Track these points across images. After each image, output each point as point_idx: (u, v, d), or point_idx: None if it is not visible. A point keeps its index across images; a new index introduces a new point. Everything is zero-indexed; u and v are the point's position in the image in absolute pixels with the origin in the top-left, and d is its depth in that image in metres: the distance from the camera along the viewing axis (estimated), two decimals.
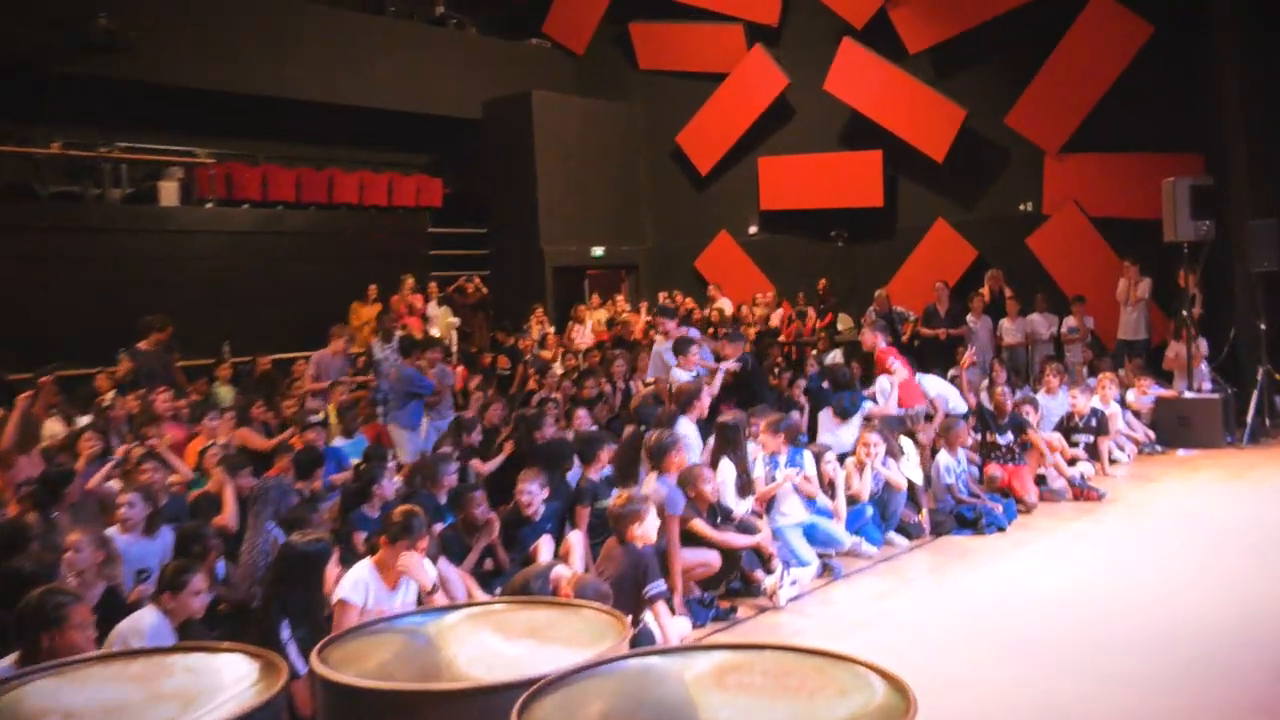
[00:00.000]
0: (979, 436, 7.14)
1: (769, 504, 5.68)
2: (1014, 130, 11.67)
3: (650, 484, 5.19)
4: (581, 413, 6.97)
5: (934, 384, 7.43)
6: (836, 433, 6.67)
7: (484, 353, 11.32)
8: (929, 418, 7.00)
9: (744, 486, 5.64)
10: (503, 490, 5.57)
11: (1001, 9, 11.51)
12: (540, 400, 8.68)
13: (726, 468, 5.60)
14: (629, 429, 6.50)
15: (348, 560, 4.22)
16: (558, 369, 10.46)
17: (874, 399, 7.01)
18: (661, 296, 14.13)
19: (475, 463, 6.44)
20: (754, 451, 5.86)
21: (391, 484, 5.41)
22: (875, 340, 7.48)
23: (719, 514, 5.19)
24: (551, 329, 12.32)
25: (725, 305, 12.56)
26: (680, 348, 6.92)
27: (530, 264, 14.20)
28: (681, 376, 6.67)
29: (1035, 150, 11.65)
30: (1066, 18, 11.11)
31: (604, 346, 10.87)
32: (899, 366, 7.14)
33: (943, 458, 6.73)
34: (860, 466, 6.14)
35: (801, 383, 8.10)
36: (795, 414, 6.77)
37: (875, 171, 12.75)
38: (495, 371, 10.65)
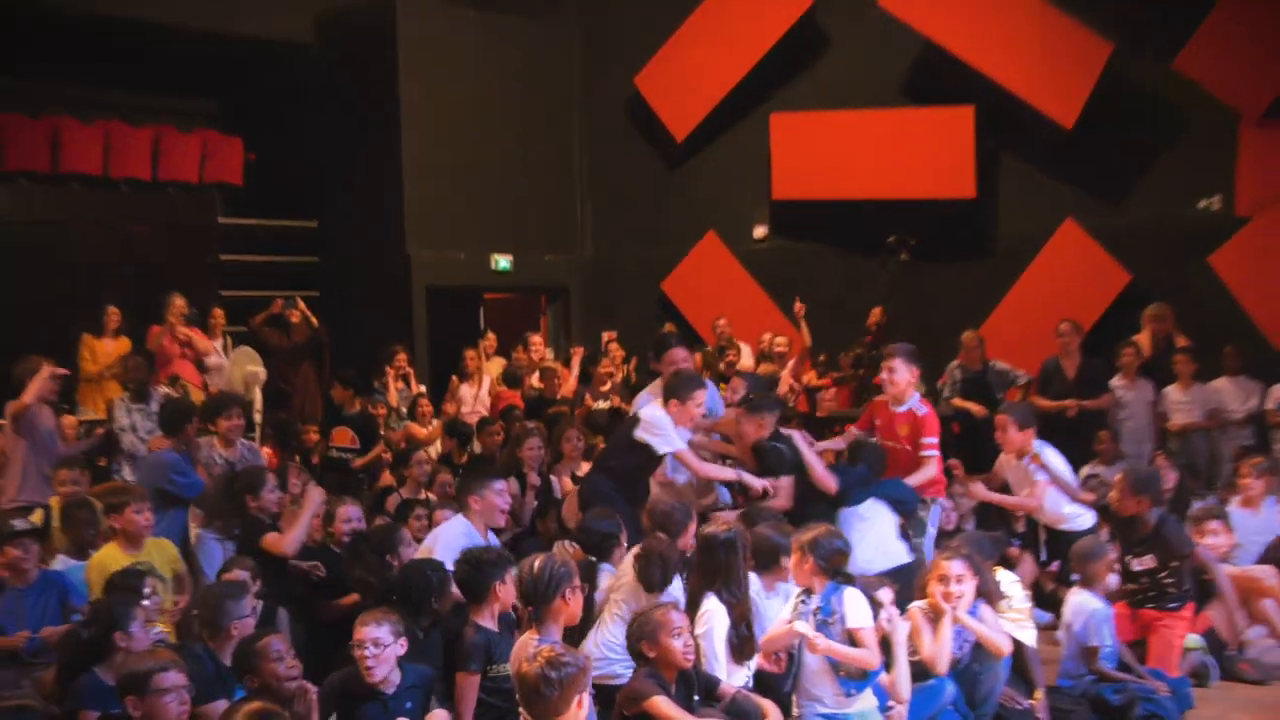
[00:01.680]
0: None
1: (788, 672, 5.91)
2: (1188, 80, 11.92)
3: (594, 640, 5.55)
4: None
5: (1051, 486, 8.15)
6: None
7: (309, 424, 11.51)
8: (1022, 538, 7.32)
9: (741, 644, 5.85)
10: (336, 640, 5.81)
11: None
12: (403, 504, 9.02)
13: (714, 612, 5.86)
14: (558, 550, 6.90)
15: None
16: (432, 452, 10.69)
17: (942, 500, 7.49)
18: (606, 339, 14.34)
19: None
20: (757, 585, 6.21)
21: (146, 632, 5.72)
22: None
23: (696, 688, 5.43)
24: (421, 388, 12.61)
25: (744, 353, 13.03)
26: (679, 389, 7.66)
27: (389, 281, 14.45)
28: (669, 445, 7.60)
29: (1224, 114, 11.85)
30: None
31: (511, 416, 11.03)
32: (1050, 456, 7.92)
33: (1078, 603, 6.93)
34: (935, 616, 6.30)
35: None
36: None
37: (963, 141, 13.04)
38: (331, 455, 10.92)
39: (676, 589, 6.21)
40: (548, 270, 15.81)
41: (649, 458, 7.65)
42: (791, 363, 12.72)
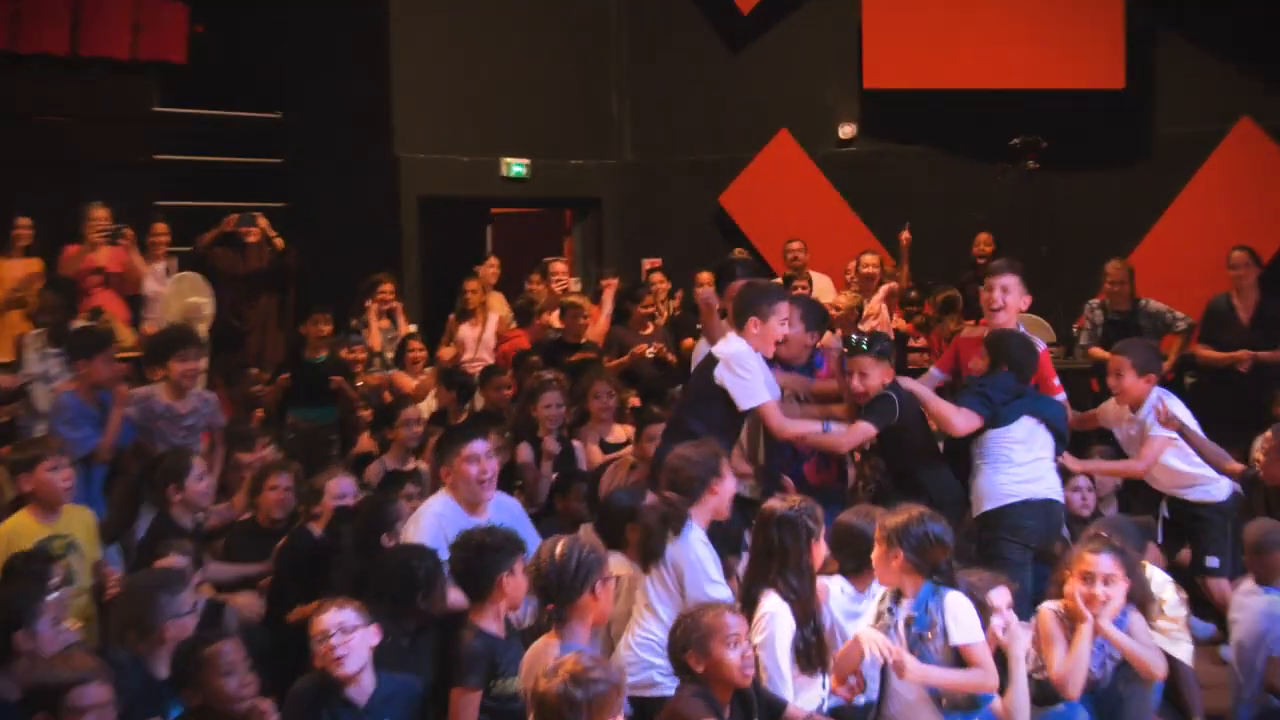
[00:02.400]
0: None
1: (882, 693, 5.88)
2: None
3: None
4: None
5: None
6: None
7: (279, 373, 11.57)
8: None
9: (809, 650, 5.88)
10: (300, 643, 5.81)
11: None
12: (387, 477, 9.07)
13: (775, 615, 5.89)
14: (584, 533, 6.97)
15: None
16: (424, 409, 10.68)
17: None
18: (648, 267, 14.44)
19: (240, 597, 7.02)
20: (832, 588, 6.32)
21: (57, 632, 5.70)
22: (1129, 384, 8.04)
23: (756, 710, 5.45)
24: (411, 328, 12.64)
25: (825, 286, 13.10)
26: (755, 302, 7.68)
27: (372, 192, 14.51)
28: (752, 397, 7.51)
29: None
30: None
31: (525, 364, 11.11)
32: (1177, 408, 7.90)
33: (1256, 606, 6.82)
34: (1072, 623, 6.28)
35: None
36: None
37: (1109, 19, 13.05)
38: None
39: (723, 589, 6.22)
40: (574, 179, 15.82)
41: (730, 406, 7.62)
42: (883, 291, 12.77)
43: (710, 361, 7.71)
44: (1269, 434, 7.59)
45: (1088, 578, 6.20)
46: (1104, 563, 6.21)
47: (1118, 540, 6.45)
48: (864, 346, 7.86)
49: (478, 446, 7.06)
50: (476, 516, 6.88)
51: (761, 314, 7.57)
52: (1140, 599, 6.40)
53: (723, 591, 6.10)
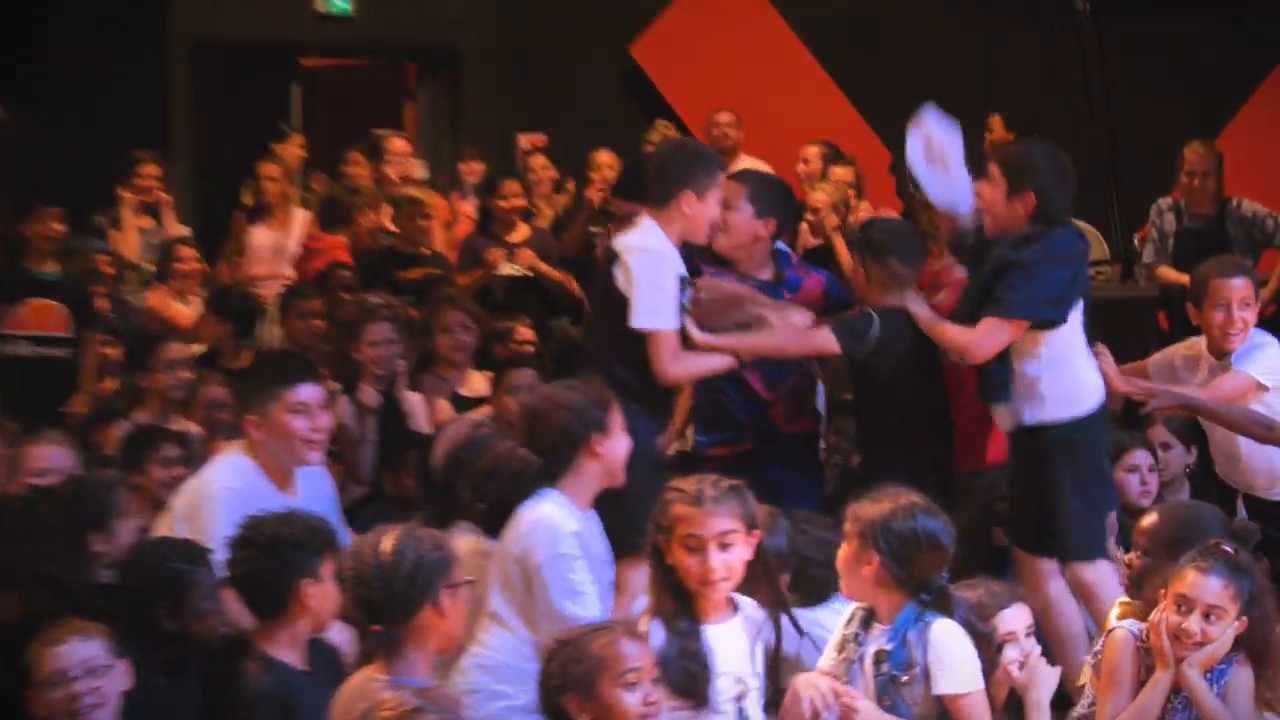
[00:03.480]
0: None
1: None
2: None
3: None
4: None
5: None
6: None
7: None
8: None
9: (691, 685, 5.80)
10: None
11: None
12: (137, 435, 8.88)
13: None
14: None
15: None
16: (195, 348, 10.63)
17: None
18: (525, 146, 14.63)
19: None
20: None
21: None
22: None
23: None
24: (183, 230, 12.67)
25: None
26: (690, 171, 7.73)
27: (127, 35, 14.51)
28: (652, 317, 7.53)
29: None
30: None
31: (339, 283, 11.23)
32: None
33: None
34: (1151, 659, 6.28)
35: None
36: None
37: None
38: (19, 351, 11.29)
39: (590, 607, 6.29)
40: (420, 18, 15.82)
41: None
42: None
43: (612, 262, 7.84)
44: None
45: (1184, 604, 6.10)
46: (1214, 588, 6.08)
47: (1241, 555, 6.31)
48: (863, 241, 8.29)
49: (307, 392, 7.08)
50: (287, 494, 6.90)
51: (698, 185, 7.64)
52: (1258, 650, 6.24)
53: (589, 610, 6.18)
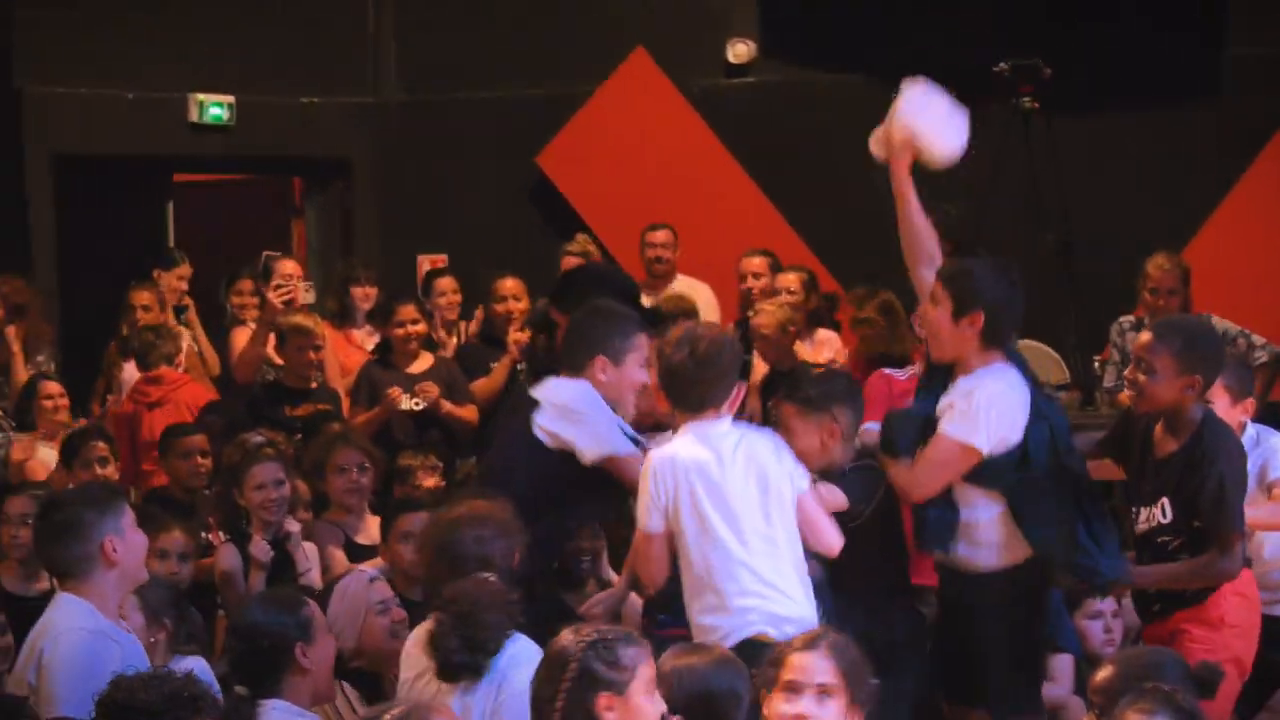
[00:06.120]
0: None
1: None
2: None
3: None
4: None
5: None
6: None
7: None
8: None
9: None
10: None
11: None
12: None
13: None
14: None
15: None
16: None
17: None
18: (426, 267, 14.59)
19: None
20: None
21: None
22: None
23: None
24: (46, 365, 12.44)
25: (707, 301, 13.25)
26: (605, 335, 8.00)
27: None
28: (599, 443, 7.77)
29: None
30: None
31: (216, 422, 11.27)
32: None
33: None
34: None
35: None
36: None
37: None
38: None
39: None
40: (307, 127, 16.00)
41: (573, 471, 7.79)
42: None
43: (527, 403, 7.93)
44: None
45: None
46: None
47: (1179, 695, 6.18)
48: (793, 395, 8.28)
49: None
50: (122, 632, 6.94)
51: (613, 350, 7.78)
52: None
53: None
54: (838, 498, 7.68)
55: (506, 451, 8.06)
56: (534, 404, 7.84)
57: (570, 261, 12.77)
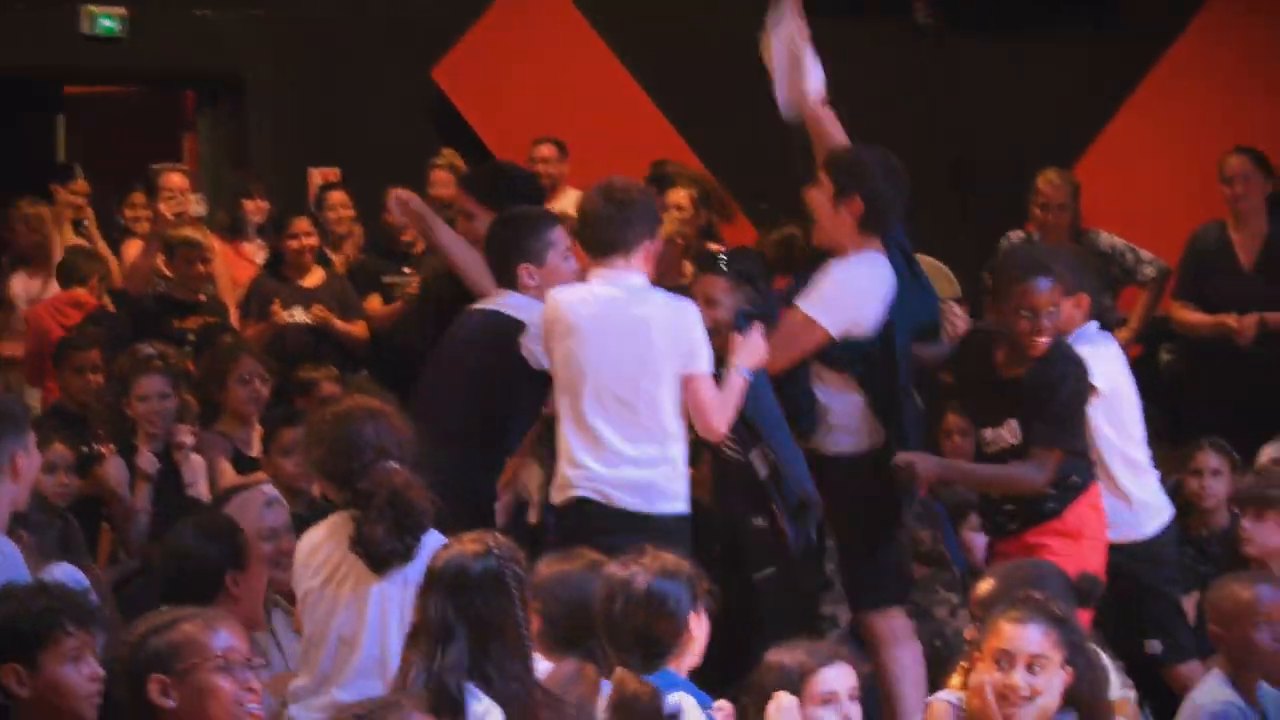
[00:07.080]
0: None
1: None
2: None
3: None
4: None
5: None
6: None
7: None
8: None
9: None
10: None
11: None
12: None
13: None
14: None
15: None
16: None
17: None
18: (318, 180, 14.69)
19: None
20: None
21: None
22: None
23: None
24: None
25: None
26: (521, 237, 8.13)
27: None
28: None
29: None
30: None
31: (100, 329, 11.21)
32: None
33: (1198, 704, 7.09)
34: None
35: None
36: None
37: None
38: None
39: None
40: (199, 39, 15.80)
41: (527, 384, 7.89)
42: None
43: (494, 327, 7.95)
44: None
45: (1004, 659, 6.18)
46: (1033, 638, 6.18)
47: (1054, 607, 6.41)
48: (722, 264, 8.37)
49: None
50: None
51: (534, 254, 7.86)
52: (1088, 704, 6.38)
53: None
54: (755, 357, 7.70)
55: (458, 365, 8.03)
56: (501, 326, 7.85)
57: (439, 175, 13.12)
